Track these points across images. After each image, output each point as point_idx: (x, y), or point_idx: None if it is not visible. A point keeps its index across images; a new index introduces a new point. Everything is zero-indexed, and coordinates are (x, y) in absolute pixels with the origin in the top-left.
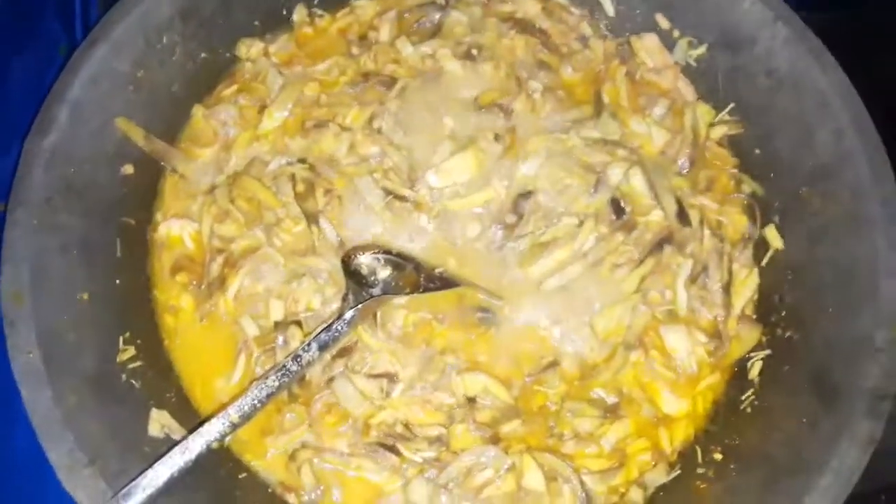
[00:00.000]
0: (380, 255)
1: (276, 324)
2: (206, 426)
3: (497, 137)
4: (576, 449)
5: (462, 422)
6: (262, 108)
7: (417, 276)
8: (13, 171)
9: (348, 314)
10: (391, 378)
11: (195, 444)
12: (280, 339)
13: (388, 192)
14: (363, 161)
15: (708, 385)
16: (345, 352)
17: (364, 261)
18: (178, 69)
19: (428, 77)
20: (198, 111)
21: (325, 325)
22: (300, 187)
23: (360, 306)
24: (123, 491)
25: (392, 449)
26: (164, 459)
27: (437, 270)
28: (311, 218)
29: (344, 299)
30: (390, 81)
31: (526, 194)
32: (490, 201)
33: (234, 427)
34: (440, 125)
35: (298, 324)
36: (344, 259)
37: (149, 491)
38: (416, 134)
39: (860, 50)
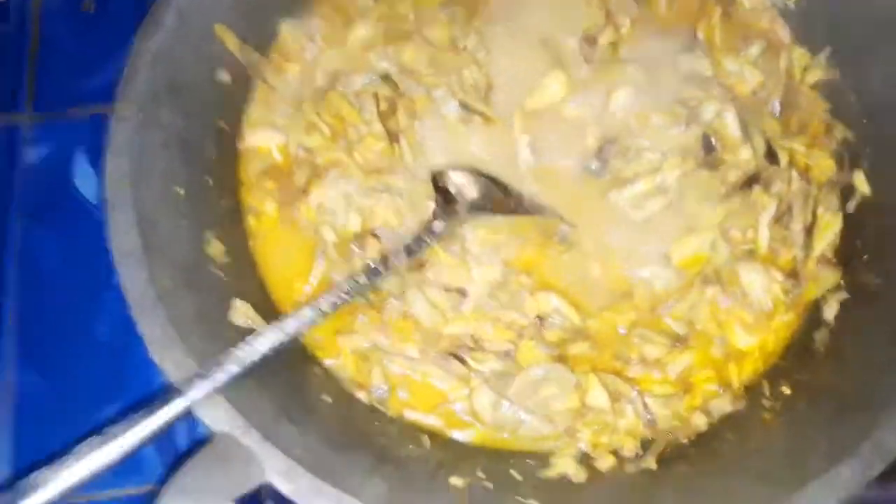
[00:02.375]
0: (470, 175)
1: (354, 234)
2: (300, 311)
3: (587, 59)
4: (641, 373)
5: (531, 339)
6: (349, 23)
7: (506, 199)
8: (115, 78)
9: (437, 226)
10: (463, 293)
11: (289, 326)
12: (357, 247)
13: (463, 106)
14: (443, 75)
15: (782, 323)
16: (419, 265)
17: (454, 178)
18: None
19: (517, 6)
20: (284, 26)
21: (414, 236)
22: (383, 106)
23: (446, 222)
24: (218, 362)
25: (459, 358)
26: (257, 337)
27: (525, 198)
28: (393, 137)
29: (434, 214)
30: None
31: (612, 139)
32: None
33: (324, 316)
34: (527, 49)
35: (375, 236)
36: (434, 175)
37: (241, 365)
38: (501, 55)
39: None
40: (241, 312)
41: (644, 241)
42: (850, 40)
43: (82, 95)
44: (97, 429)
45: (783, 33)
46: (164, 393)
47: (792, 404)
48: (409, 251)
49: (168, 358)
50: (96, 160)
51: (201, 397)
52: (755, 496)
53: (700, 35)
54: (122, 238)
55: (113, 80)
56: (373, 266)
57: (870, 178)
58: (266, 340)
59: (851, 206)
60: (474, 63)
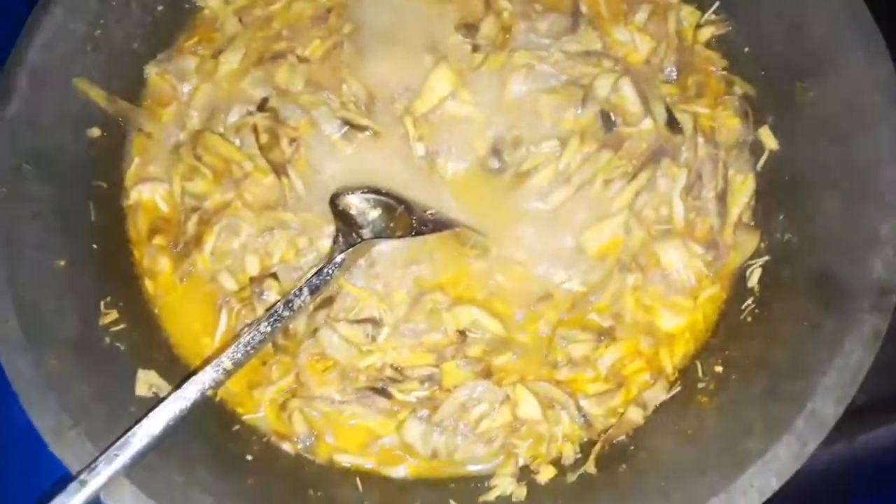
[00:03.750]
0: (369, 196)
1: (252, 278)
2: (201, 374)
3: (475, 48)
4: (571, 374)
5: (453, 358)
6: (218, 55)
7: (409, 218)
8: None
9: (339, 257)
10: (376, 322)
11: (190, 392)
12: (257, 291)
13: (346, 122)
14: (320, 92)
15: (707, 297)
16: (326, 302)
17: (352, 201)
18: (136, 24)
19: (390, 6)
20: (151, 69)
21: (315, 270)
22: (264, 138)
23: (350, 249)
24: (119, 441)
25: (383, 392)
26: (158, 409)
27: (428, 212)
28: (279, 169)
29: (334, 241)
30: (352, 12)
31: (506, 132)
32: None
33: (228, 374)
34: (407, 50)
35: (274, 276)
36: (332, 199)
37: (145, 440)
38: (379, 61)
39: None
40: (146, 383)
41: (556, 236)
42: None
43: None
44: None
45: None
46: (67, 483)
47: (726, 383)
48: (313, 288)
49: (65, 447)
50: None
51: (103, 485)
52: (694, 488)
53: (584, 8)
54: (1, 326)
55: None
56: (275, 311)
57: (775, 132)
58: (167, 411)
59: (761, 163)
60: (352, 75)
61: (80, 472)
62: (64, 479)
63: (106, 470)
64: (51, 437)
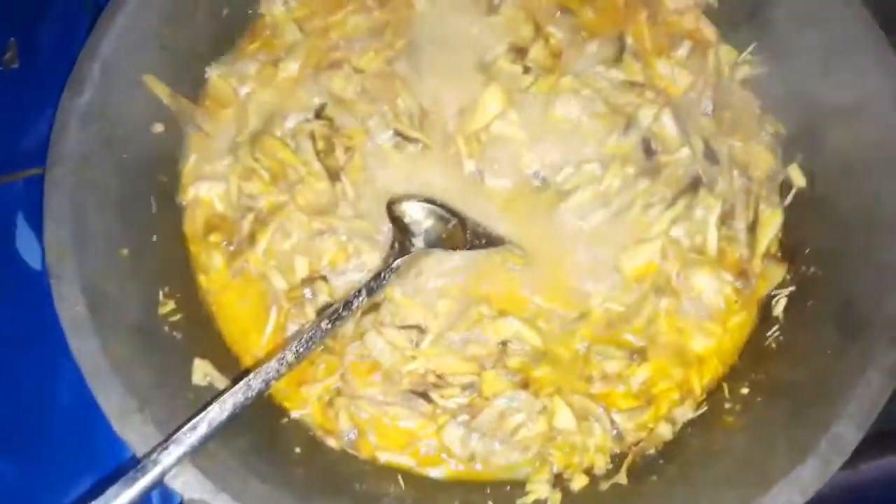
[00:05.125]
0: (425, 205)
1: (303, 279)
2: (266, 365)
3: (527, 70)
4: (605, 389)
5: (493, 368)
6: (279, 60)
7: (462, 232)
8: (47, 136)
9: (395, 263)
10: (420, 329)
11: (255, 382)
12: (307, 292)
13: (398, 134)
14: (374, 102)
15: (736, 323)
16: (373, 307)
17: (408, 209)
18: (202, 27)
19: (446, 26)
20: (213, 71)
21: (373, 274)
22: (320, 144)
23: (406, 257)
24: (188, 425)
25: (424, 396)
26: (226, 396)
27: (479, 228)
28: (333, 175)
29: (391, 247)
30: (407, 30)
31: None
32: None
33: (290, 367)
34: (460, 69)
35: (324, 278)
36: (389, 205)
37: (212, 426)
38: (432, 78)
39: None
40: (202, 371)
41: (596, 256)
42: (773, 32)
43: (17, 158)
44: None
45: (708, 31)
46: (133, 465)
47: (751, 404)
48: (370, 290)
49: (130, 429)
50: (37, 223)
51: (170, 466)
52: (723, 501)
53: (629, 40)
54: (70, 309)
55: (47, 138)
56: (335, 309)
57: (804, 170)
58: (233, 399)
59: (789, 198)
60: (405, 89)
61: (150, 453)
62: (124, 464)
63: (176, 451)
64: (117, 421)
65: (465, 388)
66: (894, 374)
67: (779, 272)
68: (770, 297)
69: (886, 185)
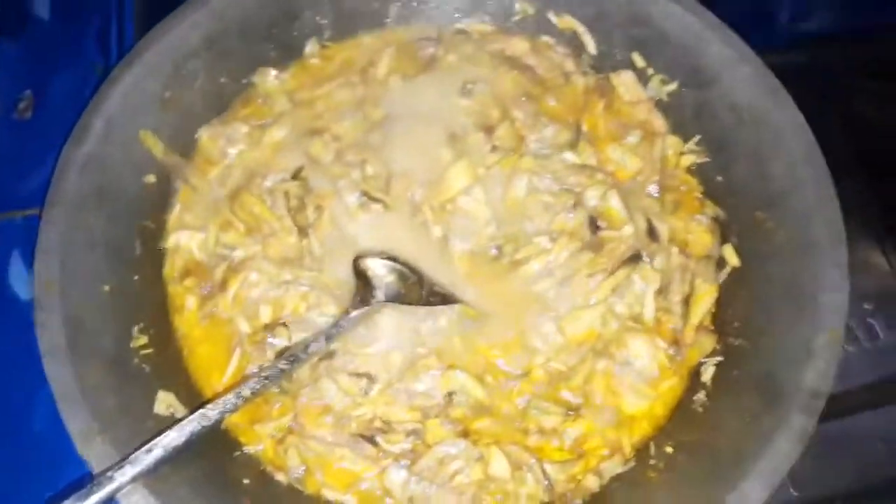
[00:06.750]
0: (387, 262)
1: (266, 325)
2: (223, 398)
3: (494, 148)
4: (540, 442)
5: (437, 417)
6: (265, 128)
7: (420, 289)
8: (48, 180)
9: (354, 313)
10: (370, 378)
11: (211, 413)
12: (269, 337)
13: (365, 194)
14: (346, 166)
15: (667, 387)
16: (328, 355)
17: (371, 264)
18: (200, 92)
19: (418, 104)
20: (204, 132)
21: (333, 323)
22: (293, 202)
23: (366, 308)
24: (144, 447)
25: (371, 440)
26: (182, 424)
27: (436, 287)
28: (302, 231)
29: (354, 296)
30: (385, 104)
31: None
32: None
33: (245, 401)
34: (430, 141)
35: (285, 325)
36: (355, 260)
37: (166, 451)
38: (401, 149)
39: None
40: (165, 403)
41: (542, 320)
42: (715, 129)
43: (19, 198)
44: None
45: (658, 123)
46: (89, 482)
47: (674, 462)
48: (328, 336)
49: (91, 449)
50: (29, 259)
51: (124, 484)
52: None
53: (584, 127)
54: (49, 336)
55: (48, 183)
56: (294, 353)
57: (738, 251)
58: (189, 426)
59: (723, 276)
60: (374, 157)
61: (105, 470)
62: (82, 480)
63: (130, 471)
64: (80, 440)
65: (409, 434)
66: (803, 439)
67: (709, 343)
68: (699, 365)
69: (806, 269)
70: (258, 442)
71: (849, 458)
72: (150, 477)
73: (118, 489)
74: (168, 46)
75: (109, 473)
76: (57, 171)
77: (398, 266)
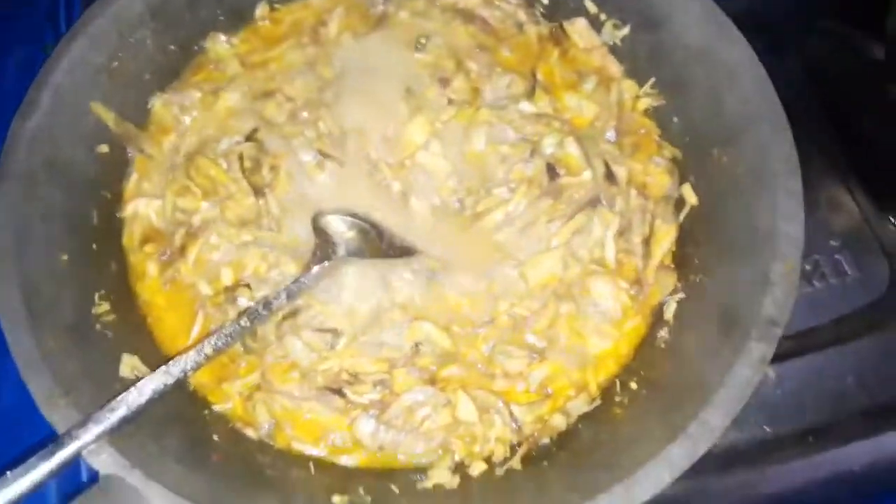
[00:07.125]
0: (346, 218)
1: (226, 286)
2: (185, 355)
3: (450, 101)
4: (506, 386)
5: (404, 367)
6: (219, 92)
7: (379, 242)
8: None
9: (315, 269)
10: (336, 333)
11: (174, 369)
12: (231, 297)
13: (320, 152)
14: (300, 125)
15: (631, 327)
16: (292, 313)
17: (331, 221)
18: (149, 60)
19: (369, 55)
20: (156, 100)
21: (294, 280)
22: (248, 164)
23: (326, 263)
24: (107, 406)
25: (338, 392)
26: (144, 381)
27: (395, 240)
28: (258, 192)
29: (313, 255)
30: (337, 62)
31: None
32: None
33: (208, 358)
34: (386, 97)
35: (247, 286)
36: (314, 218)
37: (130, 409)
38: (356, 106)
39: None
40: (130, 366)
41: (504, 268)
42: (669, 70)
43: None
44: None
45: (614, 68)
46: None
47: (638, 397)
48: (290, 294)
49: (55, 412)
50: None
51: (88, 443)
52: (600, 479)
53: (540, 76)
54: (7, 305)
55: None
56: (254, 308)
57: (696, 189)
58: (152, 383)
59: (682, 215)
60: (329, 115)
61: (69, 430)
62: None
63: (94, 429)
64: (44, 404)
65: (376, 384)
66: (760, 366)
67: (670, 281)
68: (662, 303)
69: (763, 201)
70: (226, 400)
71: (820, 394)
72: (116, 435)
73: (83, 447)
74: (112, 17)
75: (73, 432)
76: (6, 147)
77: (357, 221)
